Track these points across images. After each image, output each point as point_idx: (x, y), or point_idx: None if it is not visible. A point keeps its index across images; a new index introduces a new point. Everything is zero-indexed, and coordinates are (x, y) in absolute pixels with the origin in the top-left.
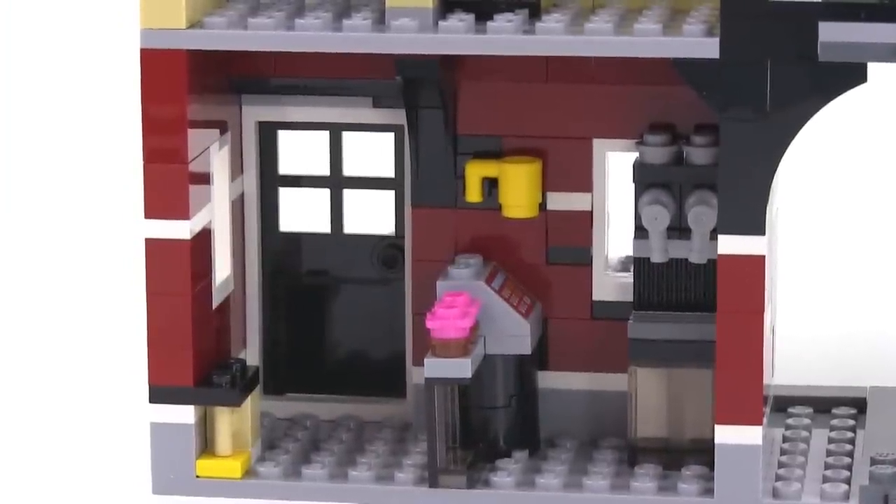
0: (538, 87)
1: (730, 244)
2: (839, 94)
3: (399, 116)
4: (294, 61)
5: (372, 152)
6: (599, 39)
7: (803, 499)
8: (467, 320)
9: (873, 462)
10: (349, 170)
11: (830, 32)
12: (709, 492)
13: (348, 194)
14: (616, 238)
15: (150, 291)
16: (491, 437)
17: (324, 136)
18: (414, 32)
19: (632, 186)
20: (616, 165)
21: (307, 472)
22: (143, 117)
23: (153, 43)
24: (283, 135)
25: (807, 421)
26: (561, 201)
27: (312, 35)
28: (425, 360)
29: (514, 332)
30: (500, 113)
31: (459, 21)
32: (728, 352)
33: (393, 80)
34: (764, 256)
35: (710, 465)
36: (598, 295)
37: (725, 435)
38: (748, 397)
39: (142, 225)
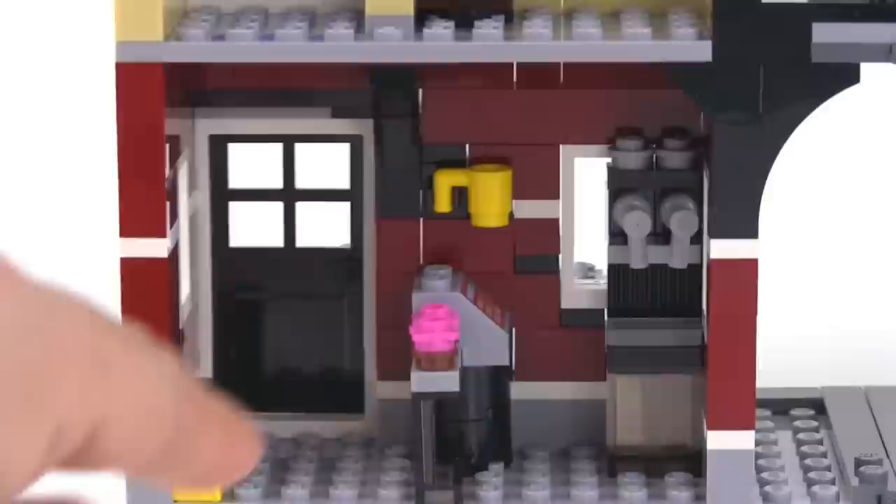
0: (504, 93)
1: (723, 248)
2: (832, 95)
3: (355, 126)
4: (252, 72)
5: (326, 164)
6: (590, 44)
7: (795, 502)
8: (454, 333)
9: (859, 463)
10: (302, 182)
11: (824, 33)
12: (700, 498)
13: (301, 207)
14: (581, 244)
15: (126, 312)
16: (467, 450)
17: (276, 149)
18: (399, 41)
19: (597, 192)
20: (583, 171)
21: (287, 492)
22: (119, 133)
23: (129, 56)
24: (233, 148)
25: (770, 423)
26: (528, 209)
27: (295, 45)
28: (412, 374)
29: (493, 343)
30: (466, 121)
31: (444, 28)
32: (720, 356)
33: (351, 89)
34: (757, 260)
35: (694, 471)
36: (566, 303)
37: (718, 440)
38: (741, 401)
39: (117, 243)
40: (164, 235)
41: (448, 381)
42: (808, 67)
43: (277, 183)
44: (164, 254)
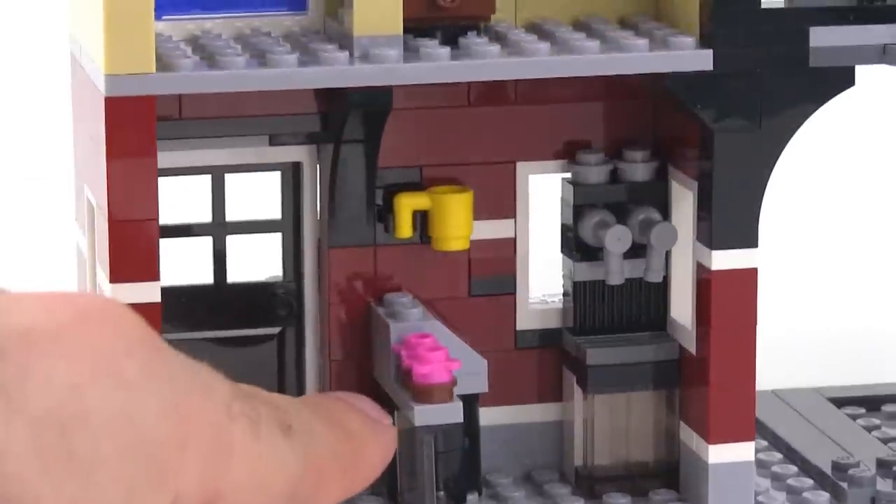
0: (459, 112)
1: (724, 259)
2: (829, 99)
3: (295, 153)
4: (190, 102)
5: (255, 194)
6: (591, 59)
7: None
8: (455, 362)
9: (839, 467)
10: (233, 214)
11: (821, 37)
12: None
13: (232, 241)
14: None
15: None
16: (446, 482)
17: (205, 181)
18: (397, 62)
19: (551, 209)
20: (538, 188)
21: None
22: (109, 171)
23: (121, 90)
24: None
25: None
26: (484, 230)
27: (295, 72)
28: (415, 407)
29: (472, 370)
30: (420, 142)
31: (440, 48)
32: (722, 368)
33: (292, 115)
34: (757, 269)
35: (671, 485)
36: (521, 324)
37: (719, 454)
38: (741, 413)
39: (107, 290)
40: (157, 278)
41: (451, 413)
42: (805, 72)
43: (205, 217)
44: (157, 298)
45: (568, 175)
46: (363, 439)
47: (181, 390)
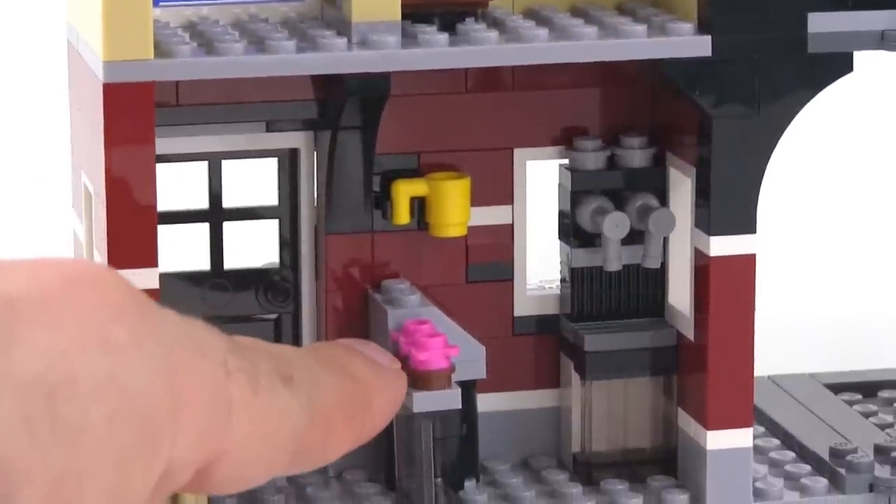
0: (456, 98)
1: (722, 245)
2: (827, 85)
3: (292, 140)
4: (187, 88)
5: (252, 181)
6: (590, 44)
7: (788, 496)
8: (453, 349)
9: (837, 452)
10: (229, 201)
11: (819, 23)
12: (696, 500)
13: (229, 227)
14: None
15: None
16: (443, 467)
17: (202, 168)
18: (396, 48)
19: (547, 195)
20: (535, 175)
21: None
22: (107, 158)
23: (119, 77)
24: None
25: None
26: (481, 216)
27: (294, 58)
28: (413, 394)
29: (470, 357)
30: (417, 128)
31: (439, 34)
32: (720, 354)
33: (290, 101)
34: (755, 255)
35: (671, 472)
36: (519, 311)
37: (717, 440)
38: (739, 399)
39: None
40: (154, 264)
41: (449, 399)
42: (804, 58)
43: (202, 203)
44: (155, 284)
45: (565, 161)
46: (370, 385)
47: (173, 352)
